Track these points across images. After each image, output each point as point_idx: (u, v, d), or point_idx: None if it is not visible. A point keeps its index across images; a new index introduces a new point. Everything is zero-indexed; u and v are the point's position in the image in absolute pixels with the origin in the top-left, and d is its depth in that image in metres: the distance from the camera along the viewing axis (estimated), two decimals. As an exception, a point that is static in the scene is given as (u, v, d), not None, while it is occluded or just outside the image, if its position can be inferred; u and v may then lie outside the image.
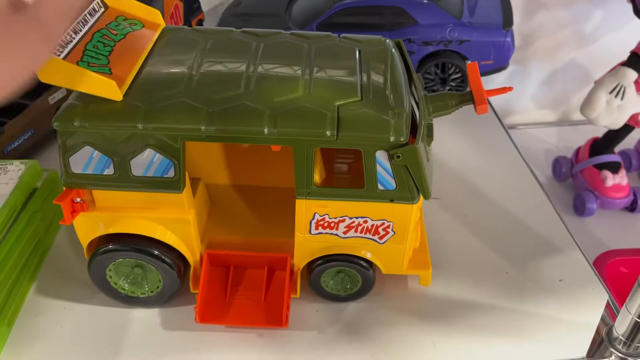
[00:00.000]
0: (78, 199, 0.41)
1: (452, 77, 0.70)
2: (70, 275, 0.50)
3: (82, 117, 0.38)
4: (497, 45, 0.68)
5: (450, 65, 0.69)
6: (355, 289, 0.46)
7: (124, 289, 0.46)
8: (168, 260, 0.44)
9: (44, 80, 0.36)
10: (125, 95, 0.38)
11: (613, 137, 0.84)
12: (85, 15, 0.41)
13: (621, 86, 0.74)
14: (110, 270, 0.45)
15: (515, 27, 0.69)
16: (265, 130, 0.38)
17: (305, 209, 0.42)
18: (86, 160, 0.39)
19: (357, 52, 0.44)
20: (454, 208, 0.56)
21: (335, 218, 0.42)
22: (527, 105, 1.06)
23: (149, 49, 0.43)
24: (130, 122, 0.38)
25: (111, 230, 0.43)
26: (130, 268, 0.45)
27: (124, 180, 0.40)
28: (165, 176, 0.40)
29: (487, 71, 0.71)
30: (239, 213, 0.50)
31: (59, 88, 0.64)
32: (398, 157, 0.38)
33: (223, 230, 0.48)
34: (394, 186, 0.40)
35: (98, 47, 0.40)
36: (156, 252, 0.43)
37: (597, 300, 0.47)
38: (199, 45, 0.44)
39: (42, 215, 0.50)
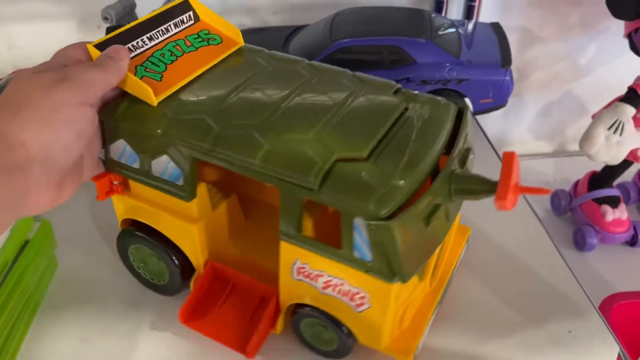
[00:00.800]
0: (116, 182, 0.45)
1: (451, 115, 0.69)
2: (63, 330, 0.48)
3: (120, 114, 0.41)
4: (496, 84, 0.68)
5: (449, 104, 0.68)
6: (330, 348, 0.44)
7: (140, 270, 0.50)
8: (175, 260, 0.46)
9: None
10: (161, 102, 0.41)
11: (612, 171, 0.84)
12: (169, 25, 0.46)
13: (620, 122, 0.74)
14: (132, 250, 0.49)
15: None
16: (256, 163, 0.37)
17: (287, 252, 0.40)
18: (121, 151, 0.43)
19: (401, 110, 0.41)
20: (458, 253, 0.55)
21: (315, 270, 0.40)
22: (523, 136, 1.06)
23: (212, 64, 0.45)
24: (153, 127, 0.40)
25: (135, 217, 0.46)
26: (148, 254, 0.48)
27: (146, 176, 0.43)
28: (177, 183, 0.42)
29: (486, 109, 0.71)
30: (263, 235, 0.49)
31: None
32: (371, 229, 0.35)
33: (235, 247, 0.49)
34: (370, 258, 0.37)
35: (164, 56, 0.44)
36: (166, 249, 0.46)
37: (608, 352, 0.46)
38: (258, 69, 0.45)
39: (34, 268, 0.48)
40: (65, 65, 0.39)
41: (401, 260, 0.35)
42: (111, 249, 0.54)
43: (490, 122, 1.02)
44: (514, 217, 0.59)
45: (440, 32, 0.69)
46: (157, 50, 0.44)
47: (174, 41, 0.46)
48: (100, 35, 0.61)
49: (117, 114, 0.41)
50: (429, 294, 0.47)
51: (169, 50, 0.45)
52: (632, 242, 0.84)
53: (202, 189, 0.43)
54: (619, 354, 0.46)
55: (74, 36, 0.84)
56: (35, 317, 0.49)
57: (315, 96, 0.42)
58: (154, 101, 0.41)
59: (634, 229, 0.83)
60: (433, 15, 0.72)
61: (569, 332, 0.47)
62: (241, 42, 0.48)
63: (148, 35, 0.44)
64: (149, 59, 0.43)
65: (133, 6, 0.64)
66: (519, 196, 0.37)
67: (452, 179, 0.38)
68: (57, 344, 0.47)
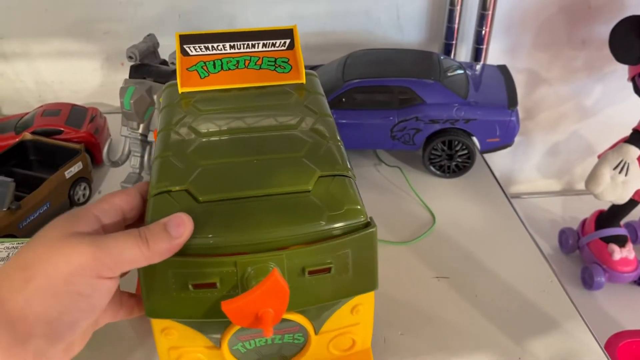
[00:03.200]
0: None
1: (459, 153, 0.71)
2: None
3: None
4: (502, 124, 0.70)
5: (456, 143, 0.71)
6: None
7: None
8: None
9: None
10: (184, 93, 0.46)
11: (619, 210, 0.85)
12: (260, 42, 0.47)
13: (625, 162, 0.75)
14: None
15: (518, 100, 0.71)
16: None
17: None
18: None
19: None
20: (464, 288, 0.56)
21: None
22: (531, 174, 1.08)
23: (252, 85, 0.47)
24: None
25: None
26: None
27: None
28: None
29: (493, 148, 0.73)
30: None
31: (76, 162, 0.66)
32: None
33: None
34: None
35: (229, 63, 0.47)
36: None
37: (611, 388, 0.47)
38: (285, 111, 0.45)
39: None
40: (103, 218, 0.35)
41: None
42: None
43: (499, 160, 1.04)
44: (520, 254, 0.61)
45: (448, 74, 0.72)
46: (228, 57, 0.47)
47: (250, 56, 0.47)
48: (124, 73, 0.65)
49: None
50: None
51: (237, 60, 0.47)
52: (639, 281, 0.84)
53: None
54: (622, 391, 0.47)
55: (98, 73, 0.88)
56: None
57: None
58: (179, 91, 0.46)
59: (642, 268, 0.84)
60: (442, 58, 0.75)
61: (573, 367, 0.48)
62: (302, 80, 0.48)
63: (233, 43, 0.46)
64: (215, 60, 0.46)
65: (156, 45, 0.68)
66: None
67: None
68: None
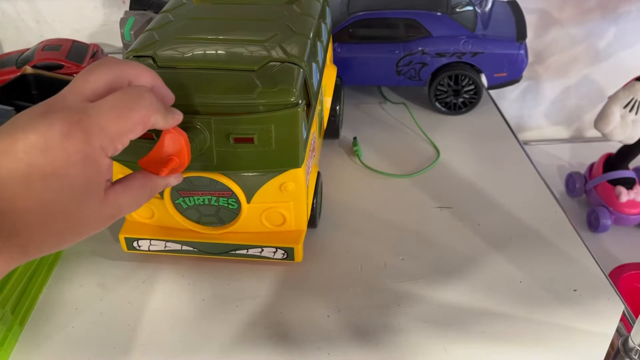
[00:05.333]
0: None
1: (465, 89, 0.70)
2: (82, 278, 0.50)
3: None
4: (510, 57, 0.68)
5: (463, 77, 0.69)
6: None
7: None
8: None
9: None
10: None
11: (627, 152, 0.83)
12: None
13: (635, 101, 0.74)
14: None
15: (528, 43, 0.70)
16: None
17: None
18: None
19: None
20: (467, 217, 0.56)
21: None
22: (539, 121, 1.06)
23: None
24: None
25: None
26: None
27: None
28: None
29: (500, 83, 0.71)
30: None
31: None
32: None
33: None
34: None
35: None
36: None
37: (612, 310, 0.47)
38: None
39: (57, 216, 0.50)
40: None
41: None
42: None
43: (507, 106, 1.02)
44: (525, 186, 0.60)
45: (457, 10, 0.70)
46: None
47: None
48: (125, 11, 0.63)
49: None
50: None
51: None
52: (646, 224, 0.84)
53: None
54: (623, 312, 0.46)
55: (99, 11, 0.87)
56: (56, 265, 0.51)
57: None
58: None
59: (649, 211, 0.83)
60: (450, -8, 0.73)
61: (574, 290, 0.48)
62: None
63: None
64: None
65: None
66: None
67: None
68: (77, 289, 0.49)
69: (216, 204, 0.47)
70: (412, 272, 0.50)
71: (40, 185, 0.29)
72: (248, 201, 0.46)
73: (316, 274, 0.50)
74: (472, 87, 0.70)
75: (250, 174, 0.45)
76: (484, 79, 0.71)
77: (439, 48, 0.68)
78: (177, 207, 0.47)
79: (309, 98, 0.45)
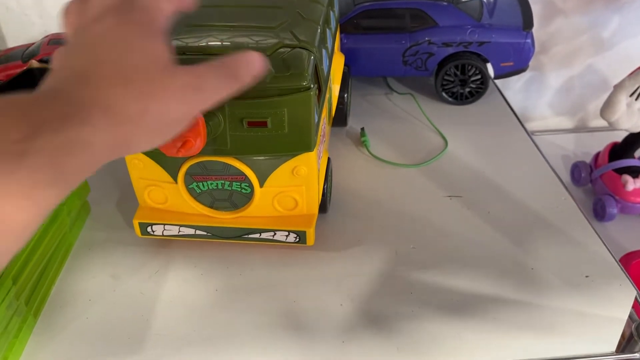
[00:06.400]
0: None
1: (472, 78, 0.70)
2: (94, 269, 0.50)
3: None
4: (517, 46, 0.68)
5: (470, 67, 0.69)
6: None
7: None
8: None
9: None
10: None
11: (633, 141, 0.83)
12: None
13: (642, 89, 0.74)
14: None
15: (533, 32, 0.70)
16: None
17: None
18: None
19: None
20: (477, 205, 0.56)
21: None
22: (544, 111, 1.06)
23: None
24: None
25: None
26: None
27: None
28: None
29: (507, 72, 0.71)
30: None
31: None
32: None
33: None
34: None
35: None
36: None
37: (624, 296, 0.47)
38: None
39: (68, 209, 0.50)
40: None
41: None
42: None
43: (512, 96, 1.02)
44: (533, 174, 0.60)
45: (462, 0, 0.70)
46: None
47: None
48: None
49: None
50: None
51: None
52: (652, 213, 0.84)
53: None
54: (635, 298, 0.47)
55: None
56: (68, 257, 0.51)
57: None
58: None
59: (655, 199, 0.83)
60: (455, -18, 0.73)
61: (586, 277, 0.48)
62: None
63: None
64: None
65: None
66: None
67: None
68: (90, 280, 0.49)
69: (229, 188, 0.47)
70: (423, 260, 0.50)
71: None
72: (261, 185, 0.47)
73: (328, 262, 0.50)
74: (479, 76, 0.70)
75: (263, 158, 0.45)
76: (490, 69, 0.71)
77: (445, 38, 0.68)
78: (191, 192, 0.48)
79: (320, 83, 0.45)
